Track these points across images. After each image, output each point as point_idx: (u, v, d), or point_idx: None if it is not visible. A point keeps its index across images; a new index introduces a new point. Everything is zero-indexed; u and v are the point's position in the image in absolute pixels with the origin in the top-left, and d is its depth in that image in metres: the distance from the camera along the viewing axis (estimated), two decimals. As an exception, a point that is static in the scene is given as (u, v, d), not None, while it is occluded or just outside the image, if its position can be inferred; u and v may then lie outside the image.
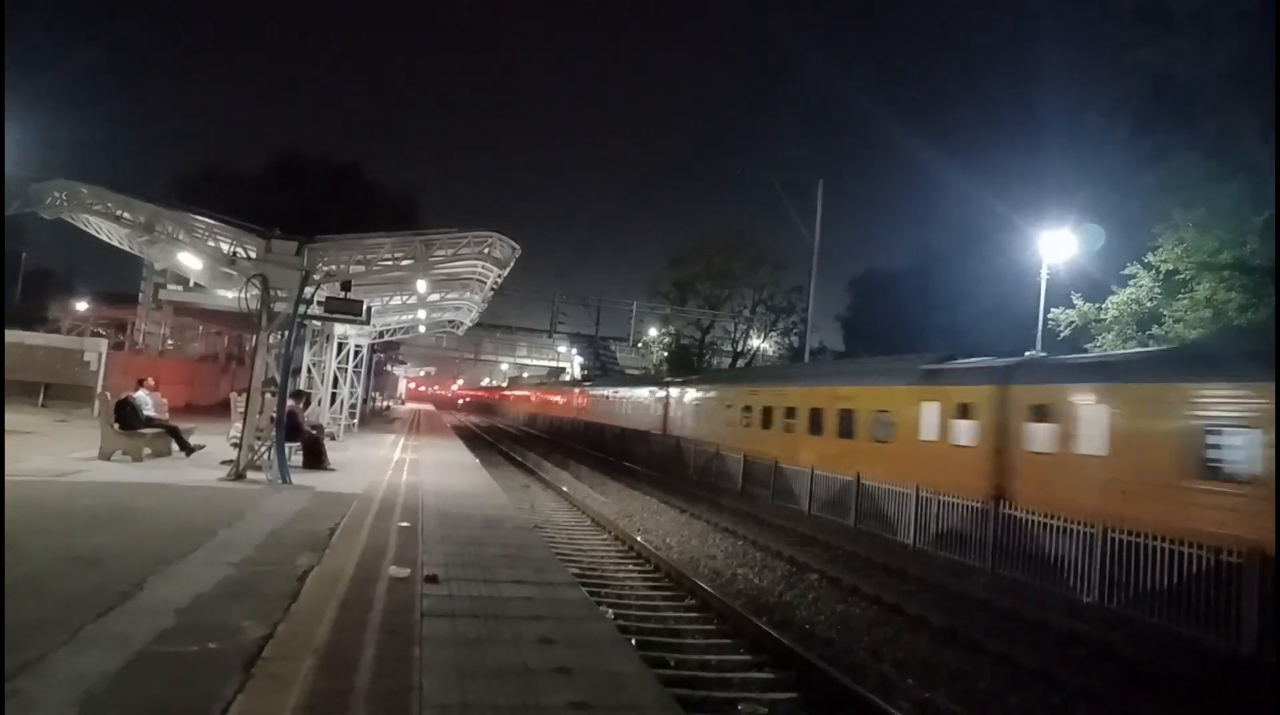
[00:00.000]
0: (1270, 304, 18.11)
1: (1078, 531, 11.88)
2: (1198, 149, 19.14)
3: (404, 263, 15.14)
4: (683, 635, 8.95)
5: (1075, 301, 22.14)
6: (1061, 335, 21.87)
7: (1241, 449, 11.01)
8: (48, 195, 14.90)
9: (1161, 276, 20.06)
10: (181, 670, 4.17)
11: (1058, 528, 12.27)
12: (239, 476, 11.75)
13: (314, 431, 15.17)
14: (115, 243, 17.07)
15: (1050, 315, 22.25)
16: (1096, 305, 21.64)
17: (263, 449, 12.28)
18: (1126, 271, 21.12)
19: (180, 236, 14.22)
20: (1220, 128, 19.05)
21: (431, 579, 6.51)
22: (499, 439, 43.59)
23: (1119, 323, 20.91)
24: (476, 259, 15.57)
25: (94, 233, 16.56)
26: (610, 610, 9.24)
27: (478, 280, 18.09)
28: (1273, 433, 10.38)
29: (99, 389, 22.37)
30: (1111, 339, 20.72)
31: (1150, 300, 20.45)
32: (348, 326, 20.79)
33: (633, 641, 7.62)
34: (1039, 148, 48.73)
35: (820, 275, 34.29)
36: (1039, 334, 22.04)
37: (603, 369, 60.10)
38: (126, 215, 14.47)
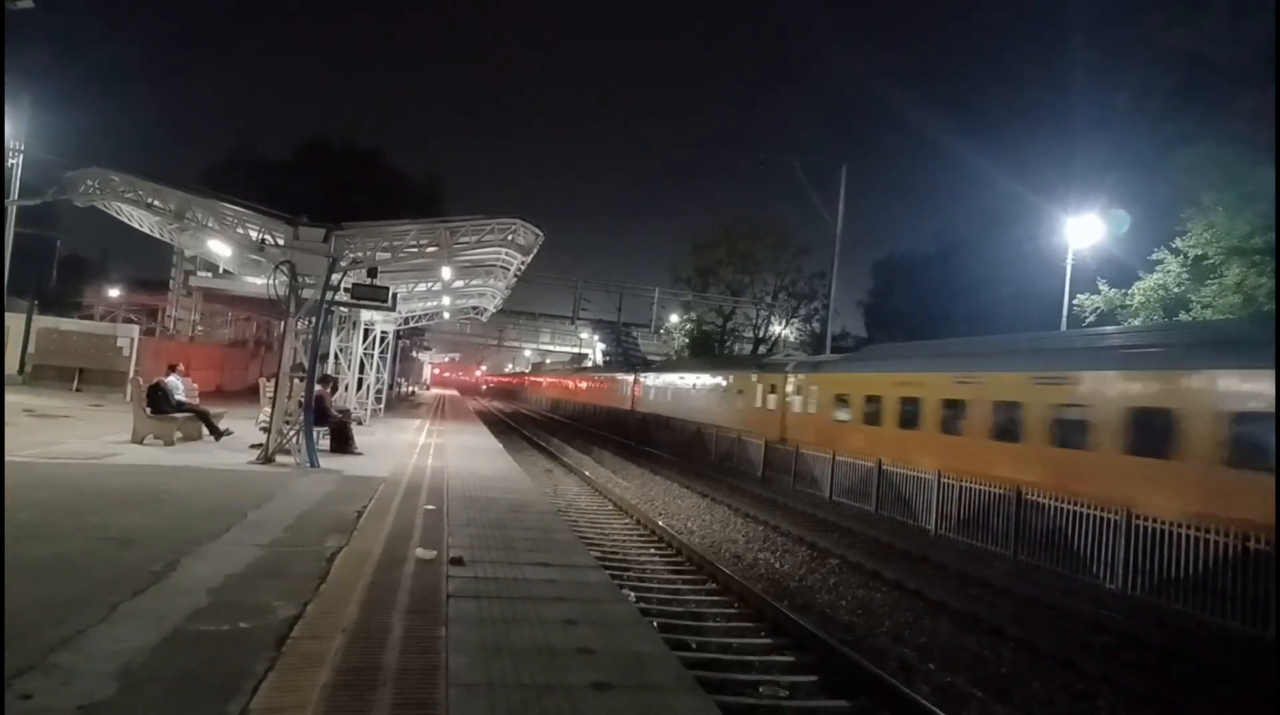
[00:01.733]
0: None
1: (1100, 517, 11.82)
2: (1229, 131, 18.78)
3: (429, 249, 15.25)
4: (704, 618, 9.03)
5: (1101, 287, 21.88)
6: (1087, 321, 21.64)
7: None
8: (81, 183, 15.16)
9: (1189, 262, 19.75)
10: (214, 647, 4.29)
11: (1079, 514, 12.21)
12: (268, 460, 11.94)
13: (341, 416, 15.36)
14: (146, 230, 17.34)
15: (1076, 301, 22.03)
16: (1122, 291, 21.37)
17: (291, 433, 12.46)
18: (1154, 256, 20.83)
19: (210, 224, 14.41)
20: (1253, 110, 18.67)
21: (457, 561, 6.62)
22: (522, 424, 43.85)
23: (1145, 308, 20.64)
24: (500, 245, 15.65)
25: (126, 220, 16.82)
26: (632, 593, 9.33)
27: (501, 267, 18.18)
28: None
29: (131, 374, 22.75)
30: (1138, 326, 20.43)
31: (1178, 286, 20.16)
32: (374, 313, 20.97)
33: (655, 624, 7.71)
34: (1066, 132, 48.04)
35: (842, 261, 34.01)
36: (1064, 319, 21.83)
37: (624, 355, 60.08)
38: (157, 203, 14.69)
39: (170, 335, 35.16)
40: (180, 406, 13.99)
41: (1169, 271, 20.29)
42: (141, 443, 12.92)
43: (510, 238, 15.16)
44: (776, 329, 56.37)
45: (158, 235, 17.78)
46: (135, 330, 28.02)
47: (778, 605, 9.17)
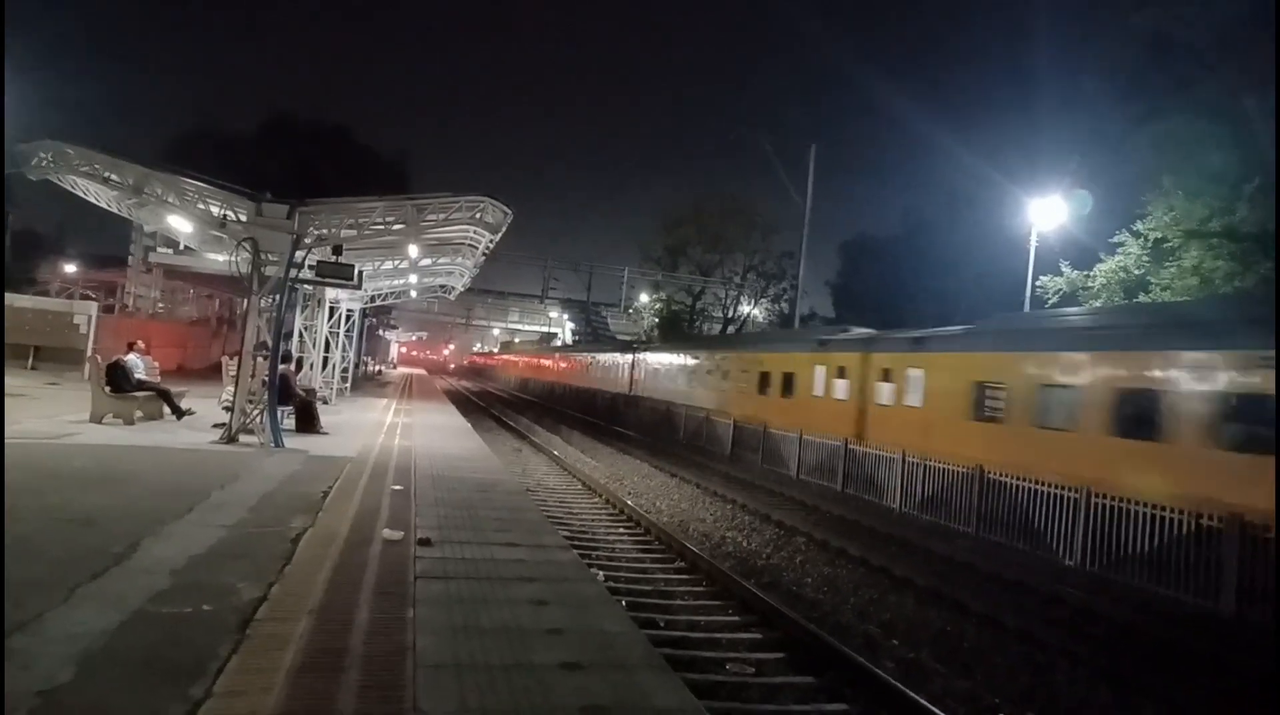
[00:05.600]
0: (1257, 272, 18.20)
1: (1061, 496, 12.06)
2: (1191, 113, 19.08)
3: (396, 227, 15.05)
4: (672, 596, 9.09)
5: (1063, 269, 22.22)
6: (1050, 303, 21.97)
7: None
8: (34, 156, 14.71)
9: (1150, 244, 20.11)
10: (177, 630, 4.24)
11: (1041, 493, 12.44)
12: (231, 439, 11.79)
13: (306, 395, 15.19)
14: (104, 205, 16.90)
15: (1039, 282, 22.35)
16: (1084, 273, 21.72)
17: (255, 412, 12.30)
18: (1115, 239, 21.17)
19: (170, 199, 14.09)
20: (1216, 92, 18.98)
21: (425, 541, 6.59)
22: (491, 404, 43.68)
23: (1107, 290, 20.99)
24: (469, 223, 15.48)
25: (82, 195, 16.37)
26: (601, 572, 9.37)
27: (469, 245, 18.01)
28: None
29: (89, 352, 22.29)
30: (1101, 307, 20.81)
31: (1138, 268, 20.52)
32: (339, 291, 20.71)
33: (623, 602, 7.75)
34: (1033, 114, 48.42)
35: (811, 241, 34.16)
36: (1027, 300, 22.16)
37: (594, 335, 60.06)
38: (115, 177, 14.32)
39: (130, 312, 34.48)
40: (141, 385, 13.73)
41: (1129, 254, 20.64)
42: (101, 422, 12.68)
43: (478, 215, 15.01)
44: (745, 308, 56.61)
45: (115, 210, 17.34)
46: (93, 307, 27.45)
47: (745, 583, 9.27)
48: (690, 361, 32.19)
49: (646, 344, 44.57)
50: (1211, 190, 18.77)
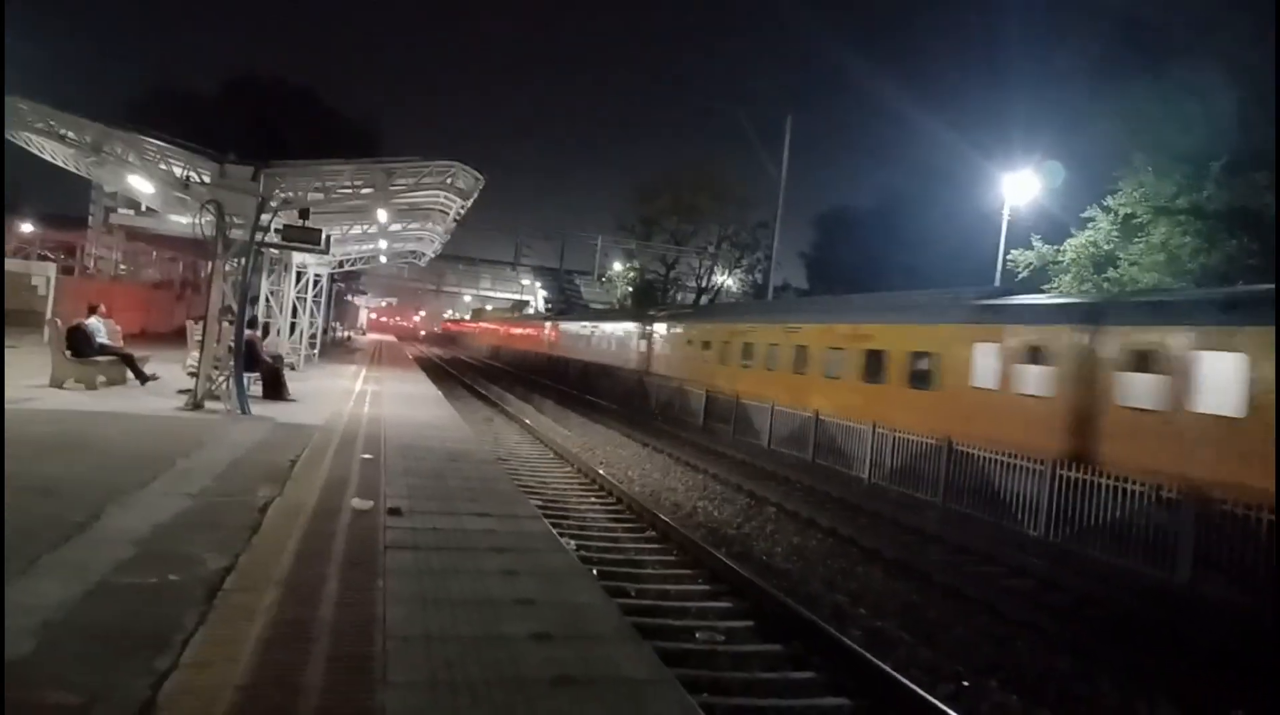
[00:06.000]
0: (1222, 250, 18.49)
1: (1026, 467, 12.25)
2: (1161, 92, 19.22)
3: (364, 191, 14.79)
4: (643, 566, 9.14)
5: (1035, 243, 22.41)
6: (1020, 277, 22.17)
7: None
8: (-16, 111, 14.21)
9: (1119, 220, 20.32)
10: (142, 601, 4.16)
11: (1007, 464, 12.63)
12: (197, 406, 11.59)
13: (273, 361, 14.96)
14: (60, 163, 16.42)
15: (1010, 257, 22.55)
16: (1055, 247, 21.93)
17: (220, 378, 12.10)
18: (1086, 214, 21.38)
19: (130, 159, 13.71)
20: (1185, 72, 19.11)
21: (395, 511, 6.53)
22: (462, 372, 43.45)
23: (1077, 265, 21.21)
24: (439, 189, 15.25)
25: (36, 152, 15.88)
26: (573, 542, 9.39)
27: (440, 211, 17.76)
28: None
29: (49, 315, 21.76)
30: (1069, 281, 21.04)
31: (1108, 243, 20.74)
32: (306, 255, 20.35)
33: (594, 572, 7.77)
34: (1005, 88, 48.64)
35: (786, 213, 34.22)
36: (998, 275, 22.36)
37: (566, 302, 59.81)
38: (72, 135, 13.87)
39: (91, 274, 33.72)
40: (103, 349, 13.45)
41: (1099, 229, 20.84)
42: (61, 387, 12.41)
43: (449, 181, 14.77)
44: (719, 279, 56.62)
45: (73, 169, 16.85)
46: (52, 268, 26.78)
47: (715, 552, 9.34)
48: (735, 334, 25.15)
49: (669, 310, 36.67)
50: (1180, 168, 18.99)
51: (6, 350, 18.43)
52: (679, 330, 30.31)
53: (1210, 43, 18.80)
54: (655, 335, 31.97)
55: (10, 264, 28.17)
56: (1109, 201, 20.46)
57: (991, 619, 8.36)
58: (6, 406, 10.09)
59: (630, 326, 35.43)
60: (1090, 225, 21.11)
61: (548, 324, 54.23)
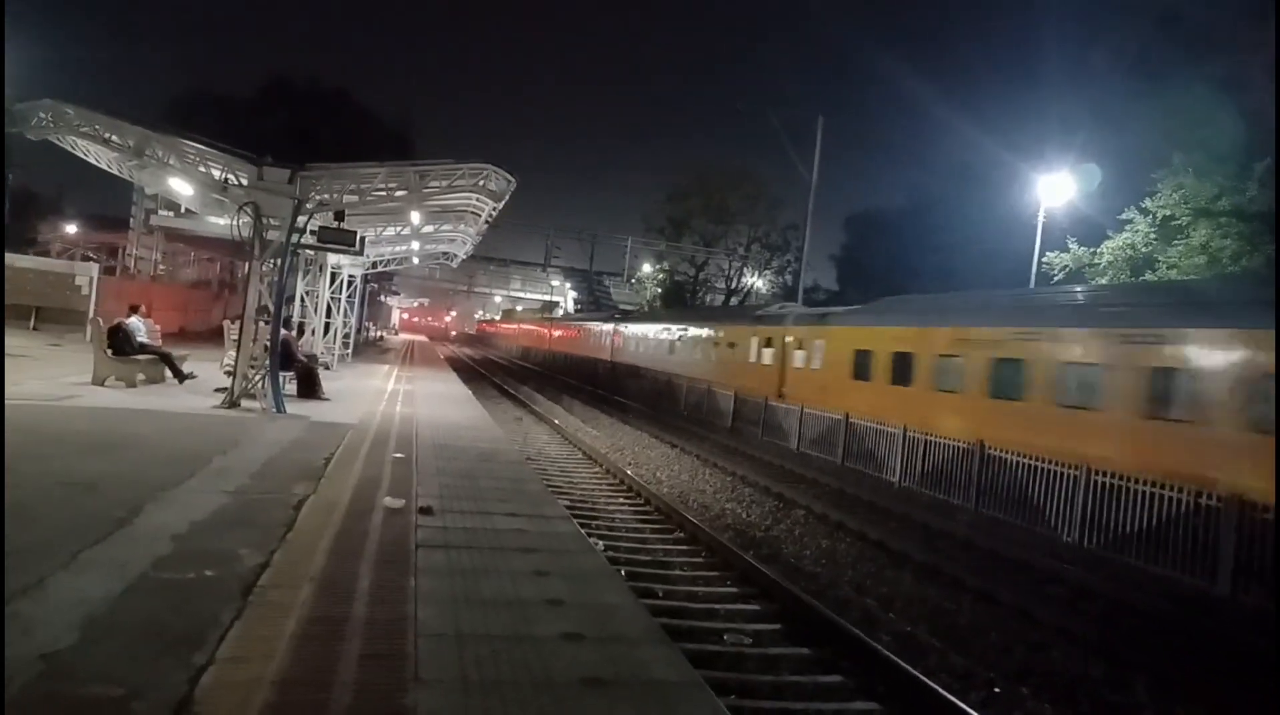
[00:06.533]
0: (1264, 253, 18.10)
1: (1060, 473, 12.08)
2: (1199, 90, 18.87)
3: (398, 193, 14.94)
4: (671, 568, 9.14)
5: (1070, 245, 22.11)
6: (1056, 279, 21.88)
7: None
8: (33, 116, 14.57)
9: (1158, 222, 19.99)
10: (179, 596, 4.24)
11: (1040, 469, 12.47)
12: (233, 404, 11.78)
13: (308, 361, 15.17)
14: (104, 166, 16.78)
15: (1045, 259, 22.25)
16: (1091, 249, 21.61)
17: (257, 377, 12.29)
18: (1123, 216, 21.04)
19: (171, 161, 13.97)
20: (1226, 70, 18.77)
21: (426, 510, 6.60)
22: (492, 372, 43.69)
23: (1113, 267, 20.90)
24: (471, 191, 15.37)
25: (82, 155, 16.25)
26: (601, 543, 9.41)
27: (472, 213, 17.89)
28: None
29: (91, 314, 22.25)
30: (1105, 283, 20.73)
31: (1145, 246, 20.41)
32: (341, 257, 20.61)
33: (623, 573, 7.79)
34: (1042, 90, 48.06)
35: (816, 214, 33.98)
36: (1033, 277, 22.08)
37: (596, 304, 59.93)
38: (115, 138, 14.19)
39: (131, 275, 34.40)
40: (143, 348, 13.71)
41: (1138, 231, 20.52)
42: (103, 385, 12.67)
43: (481, 183, 14.89)
44: (749, 280, 56.46)
45: (116, 172, 17.21)
46: (95, 269, 27.36)
47: (744, 555, 9.31)
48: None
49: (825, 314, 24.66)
50: (1221, 169, 18.62)
51: (51, 348, 18.92)
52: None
53: (1252, 38, 18.42)
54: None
55: (55, 264, 28.88)
56: (1147, 203, 20.12)
57: (1025, 625, 8.25)
58: (51, 404, 10.37)
59: (721, 321, 30.97)
60: (1128, 227, 20.78)
61: (609, 326, 45.43)
